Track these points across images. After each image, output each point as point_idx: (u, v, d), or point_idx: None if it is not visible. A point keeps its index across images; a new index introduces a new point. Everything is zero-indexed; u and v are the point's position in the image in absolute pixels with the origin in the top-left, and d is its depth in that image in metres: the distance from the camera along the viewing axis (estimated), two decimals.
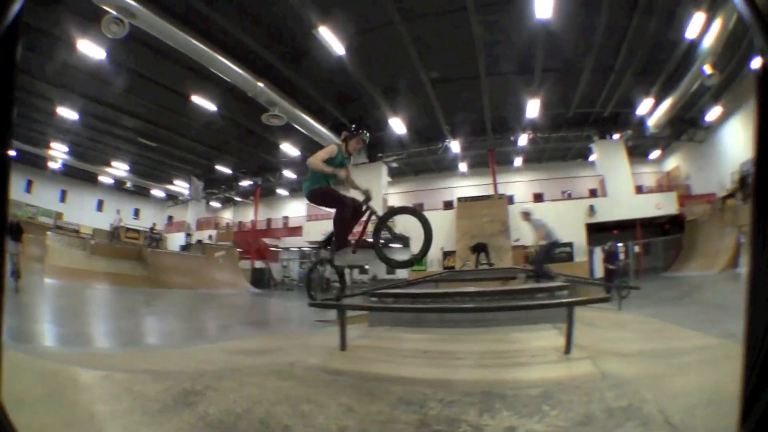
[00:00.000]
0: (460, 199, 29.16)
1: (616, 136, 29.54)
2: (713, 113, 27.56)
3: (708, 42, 19.97)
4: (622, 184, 28.97)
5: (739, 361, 3.92)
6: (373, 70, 21.21)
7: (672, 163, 33.91)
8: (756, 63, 1.31)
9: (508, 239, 25.85)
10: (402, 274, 24.88)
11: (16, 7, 1.33)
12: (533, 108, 24.98)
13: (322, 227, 30.95)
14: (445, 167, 34.17)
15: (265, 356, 6.57)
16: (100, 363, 5.60)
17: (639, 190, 30.74)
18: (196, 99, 23.16)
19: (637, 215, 27.97)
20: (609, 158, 29.39)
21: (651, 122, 26.98)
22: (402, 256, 6.98)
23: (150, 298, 18.58)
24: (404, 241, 7.01)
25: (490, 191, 30.05)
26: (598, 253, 24.62)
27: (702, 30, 19.55)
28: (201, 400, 3.95)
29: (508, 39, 19.62)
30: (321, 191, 6.66)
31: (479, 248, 21.65)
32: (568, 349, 5.77)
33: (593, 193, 31.08)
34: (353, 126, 6.89)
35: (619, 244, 21.42)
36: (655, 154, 34.71)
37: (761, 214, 1.34)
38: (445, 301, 8.15)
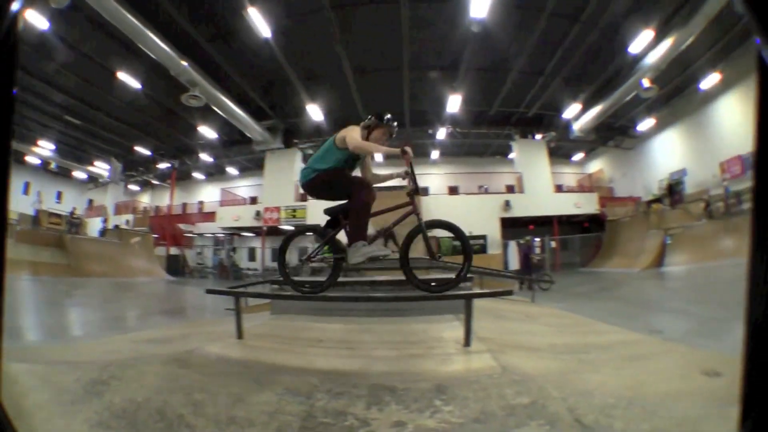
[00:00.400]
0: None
1: (538, 137, 30.37)
2: (646, 124, 29.37)
3: (652, 58, 21.08)
4: (541, 182, 29.87)
5: (662, 358, 5.58)
6: (298, 55, 21.06)
7: (596, 165, 35.63)
8: (755, 62, 1.32)
9: None
10: None
11: (16, 7, 1.34)
12: (455, 103, 25.11)
13: (235, 212, 31.06)
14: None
15: (168, 345, 6.33)
16: (23, 356, 5.38)
17: (559, 189, 31.83)
18: (122, 75, 22.44)
19: (555, 213, 29.07)
20: (529, 157, 30.19)
21: (577, 126, 28.05)
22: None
23: (71, 289, 18.25)
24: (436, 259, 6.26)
25: (404, 183, 29.82)
26: (513, 246, 25.65)
27: (648, 47, 20.62)
28: (107, 390, 3.83)
29: (437, 33, 19.68)
30: (336, 174, 5.67)
31: (387, 234, 21.41)
32: (467, 341, 5.53)
33: (511, 189, 31.33)
34: (383, 116, 5.80)
35: (537, 239, 22.52)
36: (578, 156, 36.14)
37: (761, 214, 1.37)
38: (351, 289, 7.81)
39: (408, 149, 5.48)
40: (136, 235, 30.06)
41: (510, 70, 22.45)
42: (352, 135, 5.46)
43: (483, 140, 31.73)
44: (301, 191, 6.98)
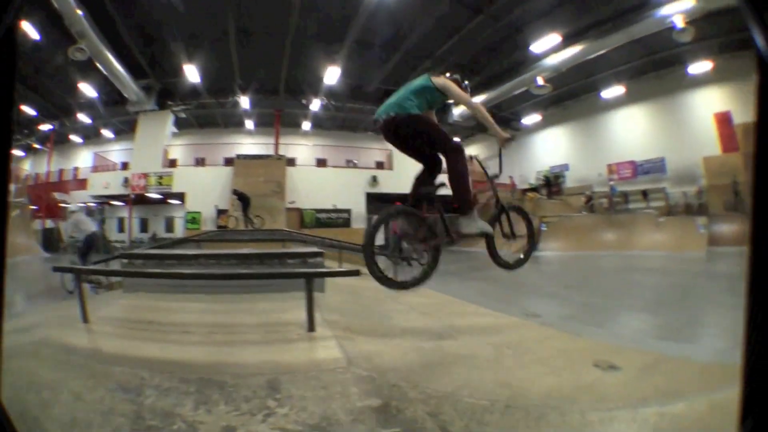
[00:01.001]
0: (239, 157, 28.09)
1: None
2: (531, 119, 31.18)
3: (554, 60, 22.04)
4: (412, 161, 29.35)
5: (544, 347, 5.82)
6: (182, 11, 19.97)
7: (471, 151, 35.50)
8: (755, 62, 1.37)
9: (282, 201, 25.56)
10: None
11: (16, 7, 1.34)
12: (332, 75, 24.61)
13: (105, 179, 28.82)
14: (233, 123, 32.52)
15: (21, 334, 5.66)
16: None
17: None
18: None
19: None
20: None
21: (457, 112, 28.52)
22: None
23: None
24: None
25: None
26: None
27: (552, 49, 21.41)
28: None
29: (328, 3, 19.48)
30: (435, 124, 5.24)
31: (242, 199, 21.17)
32: (311, 325, 5.30)
33: (380, 166, 31.00)
34: (462, 79, 5.25)
35: None
36: (455, 140, 35.91)
37: (761, 214, 1.37)
38: (197, 264, 7.46)
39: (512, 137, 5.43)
40: (14, 207, 27.65)
41: (396, 50, 22.40)
42: (455, 88, 5.06)
43: (357, 115, 31.32)
44: (379, 131, 4.86)
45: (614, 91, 27.06)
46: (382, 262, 4.99)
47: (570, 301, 11.58)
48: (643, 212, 24.37)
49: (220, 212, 25.02)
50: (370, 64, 24.02)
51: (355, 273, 5.95)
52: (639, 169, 27.65)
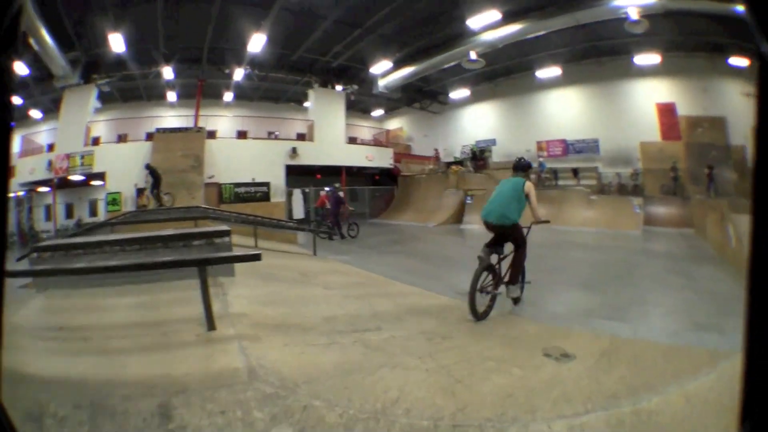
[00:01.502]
0: (158, 131, 26.42)
1: (339, 88, 29.53)
2: (460, 93, 30.93)
3: (491, 36, 21.79)
4: (334, 133, 29.33)
5: (482, 333, 5.90)
6: None
7: (396, 123, 36.63)
8: (755, 61, 1.30)
9: (200, 176, 24.07)
10: None
11: (15, 7, 1.33)
12: (257, 43, 23.28)
13: (32, 164, 26.38)
14: (157, 95, 30.86)
15: None
16: None
17: (353, 141, 31.88)
18: None
19: (345, 163, 28.72)
20: (325, 106, 29.32)
21: (383, 83, 28.01)
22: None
23: None
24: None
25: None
26: (298, 195, 26.08)
27: (490, 25, 21.02)
28: None
29: None
30: (520, 227, 7.41)
31: (153, 175, 20.51)
32: (211, 323, 4.81)
33: (302, 138, 30.18)
34: None
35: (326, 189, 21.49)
36: (378, 112, 36.41)
37: (761, 214, 1.32)
38: (101, 253, 6.66)
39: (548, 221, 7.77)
40: None
41: (326, 18, 21.54)
42: (533, 193, 7.43)
43: (280, 85, 30.48)
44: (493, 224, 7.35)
45: (550, 71, 27.26)
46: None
47: None
48: (574, 189, 24.91)
49: (140, 191, 23.43)
50: (296, 32, 23.20)
51: (256, 258, 5.67)
52: (570, 148, 28.43)
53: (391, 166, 29.96)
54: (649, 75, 26.29)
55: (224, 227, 6.20)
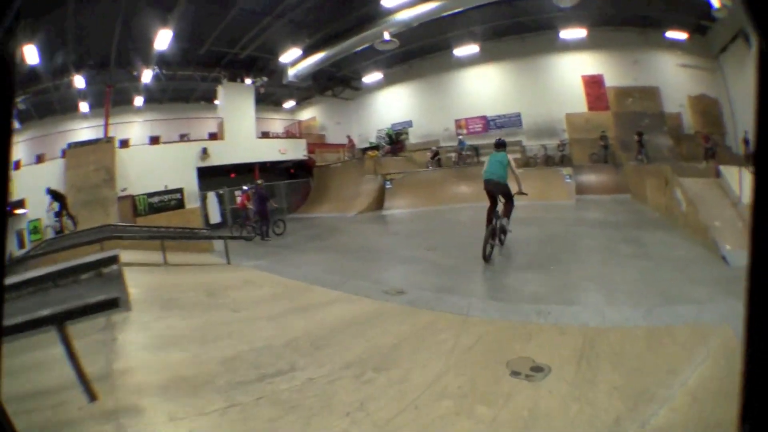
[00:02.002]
0: (69, 145, 24.43)
1: (248, 81, 28.34)
2: (373, 77, 30.07)
3: (405, 15, 21.26)
4: (244, 128, 28.10)
5: (430, 344, 5.65)
6: None
7: (309, 113, 35.39)
8: (756, 62, 1.35)
9: (113, 190, 22.10)
10: None
11: (15, 8, 1.35)
12: (164, 40, 21.82)
13: None
14: (70, 107, 28.21)
15: None
16: None
17: (266, 135, 30.96)
18: None
19: (258, 159, 27.45)
20: (233, 101, 28.01)
21: (292, 72, 26.98)
22: None
23: None
24: None
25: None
26: (213, 198, 24.73)
27: (403, 4, 20.70)
28: None
29: None
30: (509, 187, 11.03)
31: (57, 198, 19.37)
32: (90, 393, 4.02)
33: (214, 137, 28.79)
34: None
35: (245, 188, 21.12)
36: (290, 104, 35.13)
37: (761, 214, 1.35)
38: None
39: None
40: None
41: (233, 7, 20.56)
42: (513, 163, 11.43)
43: (189, 83, 29.04)
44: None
45: (469, 49, 26.99)
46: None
47: (438, 267, 10.23)
48: None
49: (57, 215, 21.60)
50: (203, 23, 22.08)
51: (113, 304, 4.54)
52: (491, 123, 28.13)
53: (306, 158, 29.21)
54: (575, 49, 26.38)
55: (110, 254, 4.77)
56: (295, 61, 25.98)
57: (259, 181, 20.03)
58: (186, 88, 29.49)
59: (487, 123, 28.16)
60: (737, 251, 10.01)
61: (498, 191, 10.78)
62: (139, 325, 6.24)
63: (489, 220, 10.69)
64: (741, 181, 12.76)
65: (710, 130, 23.46)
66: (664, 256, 9.81)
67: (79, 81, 24.37)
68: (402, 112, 31.00)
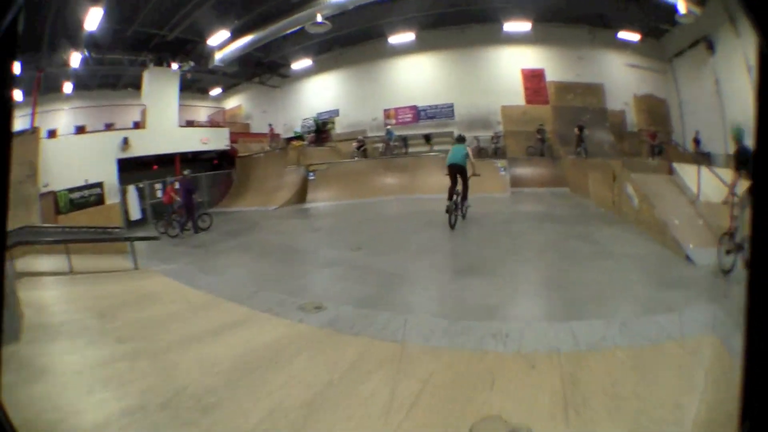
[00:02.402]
0: None
1: (175, 66, 26.80)
2: (302, 64, 28.91)
3: None
4: (168, 117, 26.35)
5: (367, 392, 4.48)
6: None
7: (235, 101, 33.50)
8: (756, 62, 1.34)
9: (35, 186, 19.46)
10: None
11: (15, 8, 1.35)
12: (94, 19, 20.18)
13: None
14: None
15: None
16: None
17: (191, 124, 29.27)
18: None
19: (181, 149, 25.84)
20: (158, 87, 26.32)
21: (219, 56, 25.83)
22: None
23: None
24: None
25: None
26: (132, 192, 22.40)
27: None
28: None
29: None
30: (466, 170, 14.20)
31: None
32: None
33: (138, 125, 26.59)
34: None
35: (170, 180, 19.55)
36: (216, 91, 32.70)
37: (761, 214, 1.35)
38: None
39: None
40: None
41: None
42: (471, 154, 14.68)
43: (117, 68, 26.92)
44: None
45: (405, 37, 26.23)
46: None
47: (364, 271, 8.80)
48: (428, 155, 24.34)
49: None
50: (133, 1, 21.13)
51: None
52: (422, 114, 27.29)
53: (228, 148, 27.67)
54: (517, 42, 25.89)
55: None
56: (223, 44, 24.84)
57: (186, 172, 19.26)
58: (114, 73, 27.44)
59: (418, 113, 27.34)
60: (701, 249, 9.97)
61: (458, 172, 13.86)
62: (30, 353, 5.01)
63: (450, 196, 13.70)
64: (699, 179, 12.75)
65: (656, 128, 23.57)
66: (622, 254, 9.13)
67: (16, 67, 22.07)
68: (329, 100, 29.67)
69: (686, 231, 10.93)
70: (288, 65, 29.43)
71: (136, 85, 27.47)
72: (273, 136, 29.09)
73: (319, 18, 21.56)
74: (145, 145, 24.12)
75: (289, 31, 23.53)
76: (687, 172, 14.47)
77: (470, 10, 24.06)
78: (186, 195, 17.61)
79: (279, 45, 26.23)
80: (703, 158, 19.86)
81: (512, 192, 20.13)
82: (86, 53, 23.80)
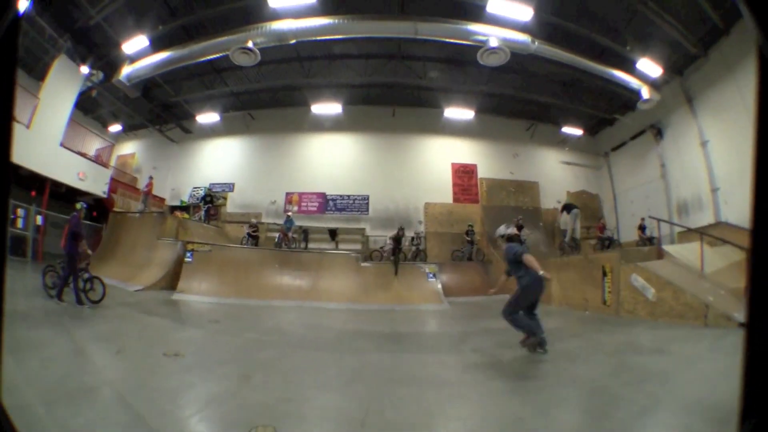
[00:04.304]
0: None
1: (85, 69, 20.95)
2: (209, 118, 25.18)
3: (285, 25, 17.79)
4: (54, 125, 19.99)
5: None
6: None
7: (131, 148, 28.49)
8: (756, 62, 1.36)
9: None
10: None
11: (16, 7, 1.34)
12: None
13: None
14: None
15: None
16: None
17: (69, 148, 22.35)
18: None
19: (53, 175, 19.62)
20: (58, 85, 20.03)
21: (129, 71, 20.81)
22: None
23: None
24: None
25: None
26: None
27: (290, 8, 17.51)
28: None
29: None
30: None
31: None
32: None
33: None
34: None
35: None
36: (116, 127, 27.20)
37: (761, 214, 1.37)
38: None
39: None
40: None
41: None
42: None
43: (37, 47, 21.43)
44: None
45: (329, 108, 23.73)
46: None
47: None
48: (338, 254, 20.32)
49: None
50: None
51: None
52: (330, 204, 24.74)
53: (105, 196, 22.08)
54: (452, 133, 24.83)
55: None
56: (138, 55, 20.11)
57: (78, 205, 12.58)
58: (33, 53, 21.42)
59: (325, 203, 24.81)
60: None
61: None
62: None
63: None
64: (702, 252, 12.89)
65: (588, 223, 23.73)
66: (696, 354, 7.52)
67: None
68: (227, 171, 26.20)
69: (725, 301, 10.49)
70: (193, 116, 25.31)
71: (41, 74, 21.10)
72: (149, 193, 22.44)
73: (250, 44, 17.65)
74: (24, 150, 17.56)
75: (211, 57, 19.44)
76: (679, 251, 14.50)
77: (408, 90, 22.43)
78: (70, 241, 11.34)
79: (191, 85, 22.69)
80: (649, 243, 19.88)
81: (450, 301, 16.07)
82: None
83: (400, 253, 19.67)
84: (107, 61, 21.66)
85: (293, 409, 5.32)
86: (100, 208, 22.06)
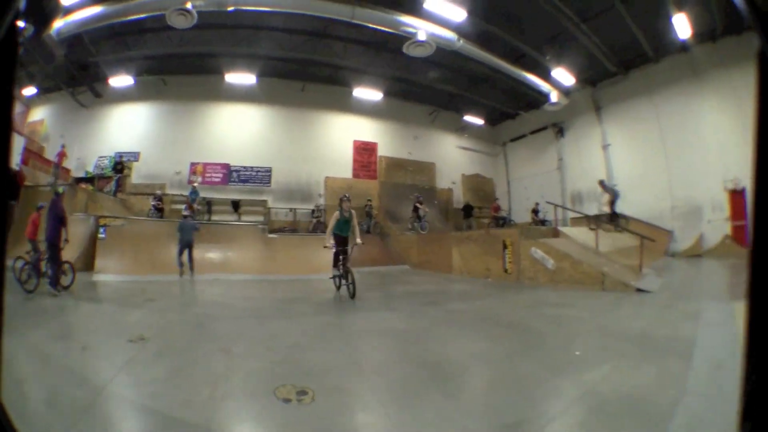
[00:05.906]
0: None
1: (21, 23, 19.57)
2: (121, 81, 23.33)
3: None
4: None
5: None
6: None
7: (40, 113, 25.74)
8: (755, 62, 1.34)
9: None
10: None
11: (16, 7, 1.35)
12: None
13: None
14: None
15: None
16: None
17: None
18: None
19: None
20: None
21: (61, 24, 18.77)
22: None
23: None
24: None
25: None
26: None
27: None
28: None
29: None
30: None
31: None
32: None
33: None
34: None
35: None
36: (30, 90, 24.43)
37: (761, 214, 1.36)
38: None
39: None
40: None
41: None
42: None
43: None
44: None
45: (243, 78, 23.32)
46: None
47: None
48: (243, 226, 20.23)
49: None
50: None
51: None
52: (234, 175, 24.60)
53: (18, 168, 19.10)
54: (356, 112, 25.60)
55: None
56: (74, 6, 18.14)
57: (61, 189, 12.46)
58: None
59: (229, 174, 24.59)
60: (642, 281, 11.46)
61: (344, 242, 12.26)
62: None
63: (335, 263, 12.33)
64: (597, 234, 15.23)
65: (481, 204, 26.43)
66: (583, 305, 9.09)
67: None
68: (134, 139, 24.42)
69: (620, 273, 11.96)
70: (107, 79, 23.37)
71: None
72: (60, 164, 21.47)
73: (189, 5, 16.69)
74: None
75: (146, 14, 18.02)
76: (574, 231, 16.52)
77: (322, 67, 22.69)
78: (53, 225, 10.99)
79: (112, 46, 21.23)
80: (542, 224, 21.86)
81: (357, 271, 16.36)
82: None
83: (421, 220, 21.82)
84: (41, 12, 20.45)
85: (306, 366, 5.72)
86: (11, 183, 19.64)
